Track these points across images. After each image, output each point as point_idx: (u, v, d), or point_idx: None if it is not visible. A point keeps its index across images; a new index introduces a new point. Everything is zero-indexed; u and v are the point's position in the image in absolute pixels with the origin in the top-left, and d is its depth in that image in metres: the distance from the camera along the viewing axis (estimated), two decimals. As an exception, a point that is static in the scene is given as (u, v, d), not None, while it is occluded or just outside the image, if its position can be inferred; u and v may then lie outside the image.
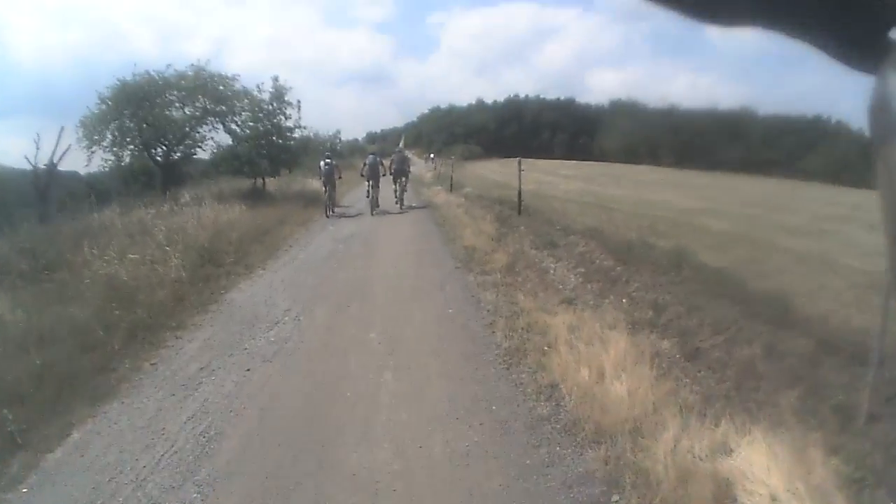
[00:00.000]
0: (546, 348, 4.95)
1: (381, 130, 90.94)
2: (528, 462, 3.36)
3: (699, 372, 4.62)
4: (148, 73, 16.16)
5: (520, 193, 11.92)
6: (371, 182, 15.23)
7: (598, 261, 7.53)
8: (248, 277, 8.08)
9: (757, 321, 5.47)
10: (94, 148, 15.52)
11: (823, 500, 2.77)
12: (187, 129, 16.98)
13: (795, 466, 2.95)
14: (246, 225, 11.52)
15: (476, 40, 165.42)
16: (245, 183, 17.92)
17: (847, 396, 3.90)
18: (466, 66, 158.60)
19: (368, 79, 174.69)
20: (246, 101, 17.28)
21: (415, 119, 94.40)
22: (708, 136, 47.29)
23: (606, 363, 4.47)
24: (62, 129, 14.20)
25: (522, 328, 5.48)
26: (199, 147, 17.91)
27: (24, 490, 3.24)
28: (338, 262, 9.06)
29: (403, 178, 16.28)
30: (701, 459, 3.17)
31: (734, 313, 5.63)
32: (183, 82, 16.32)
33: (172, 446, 3.59)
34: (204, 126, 17.45)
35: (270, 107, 17.46)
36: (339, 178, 15.73)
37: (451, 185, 21.05)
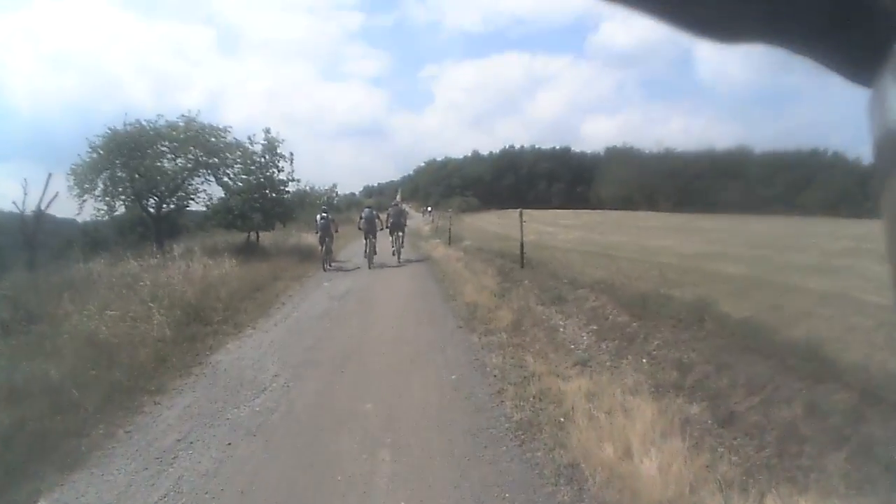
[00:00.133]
0: (562, 420, 4.40)
1: (378, 184, 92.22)
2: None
3: (735, 439, 4.15)
4: (139, 122, 16.15)
5: (522, 245, 11.43)
6: (368, 236, 15.17)
7: (611, 316, 6.99)
8: (237, 337, 7.64)
9: (792, 376, 4.95)
10: (86, 196, 15.46)
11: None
12: (179, 180, 16.85)
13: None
14: (237, 280, 11.20)
15: (469, 92, 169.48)
16: (239, 236, 17.74)
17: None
18: (461, 118, 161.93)
19: (364, 132, 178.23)
20: (238, 153, 17.20)
21: (411, 172, 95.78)
22: (705, 177, 47.76)
23: (632, 436, 3.95)
24: (49, 175, 14.19)
25: (534, 396, 4.92)
26: (192, 199, 17.76)
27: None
28: (332, 322, 8.56)
29: (400, 232, 16.15)
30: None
31: (767, 369, 5.09)
32: (174, 133, 16.24)
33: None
34: (196, 178, 17.36)
35: (263, 159, 17.35)
36: (336, 231, 15.66)
37: (450, 238, 20.71)
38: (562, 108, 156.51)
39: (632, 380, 5.10)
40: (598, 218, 37.45)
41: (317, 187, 39.86)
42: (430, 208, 47.39)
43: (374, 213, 16.11)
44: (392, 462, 3.96)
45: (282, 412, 4.96)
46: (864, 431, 3.95)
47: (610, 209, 53.65)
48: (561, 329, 7.14)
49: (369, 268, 14.74)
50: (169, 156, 16.65)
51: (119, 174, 15.72)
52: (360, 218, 15.83)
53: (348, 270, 14.96)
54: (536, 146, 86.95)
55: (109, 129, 15.59)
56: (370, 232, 15.22)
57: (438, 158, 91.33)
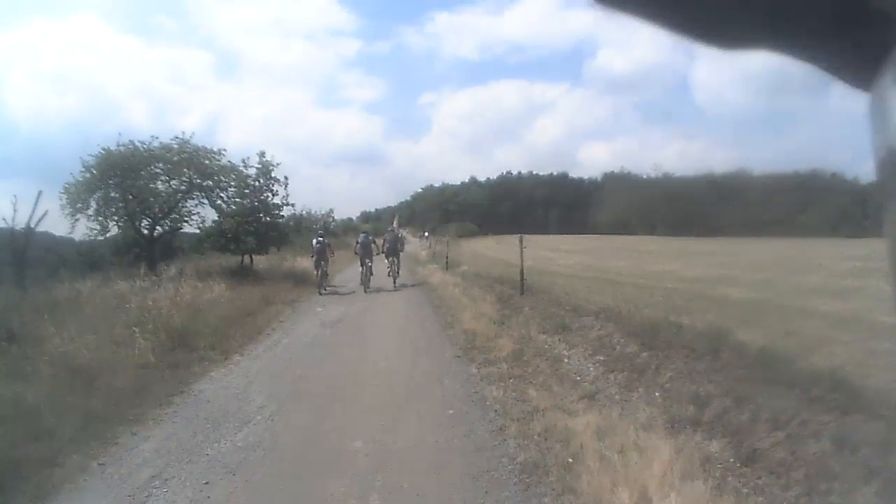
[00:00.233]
0: (570, 461, 3.99)
1: (376, 209, 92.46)
2: None
3: (760, 479, 3.81)
4: (132, 143, 15.92)
5: (522, 272, 11.01)
6: (364, 261, 15.20)
7: (618, 346, 6.57)
8: (223, 365, 7.27)
9: (817, 408, 4.58)
10: (78, 216, 15.26)
11: None
12: (173, 202, 16.63)
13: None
14: (227, 305, 10.95)
15: (467, 119, 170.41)
16: (233, 260, 17.50)
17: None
18: (458, 145, 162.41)
19: (361, 158, 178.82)
20: (232, 176, 17.00)
21: (408, 197, 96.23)
22: (703, 201, 47.66)
23: (649, 479, 3.58)
24: (39, 192, 13.97)
25: (539, 434, 4.50)
26: (186, 221, 17.48)
27: None
28: (324, 350, 8.17)
29: (396, 258, 16.18)
30: None
31: (791, 401, 4.71)
32: (168, 154, 16.06)
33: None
34: (190, 200, 17.10)
35: (257, 183, 17.18)
36: (332, 256, 15.82)
37: (447, 263, 20.39)
38: (559, 134, 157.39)
39: (644, 415, 4.71)
40: (597, 243, 37.31)
41: (313, 212, 40.21)
42: (427, 234, 47.30)
43: (371, 238, 16.19)
44: (383, 509, 3.54)
45: (265, 448, 4.59)
46: (894, 463, 3.68)
47: (608, 234, 53.65)
48: (565, 359, 6.72)
49: (365, 292, 14.68)
50: (163, 177, 16.52)
51: (112, 194, 15.54)
52: (357, 243, 15.84)
53: (343, 295, 14.80)
54: (534, 172, 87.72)
55: (103, 148, 15.42)
56: (366, 257, 15.23)
57: (436, 184, 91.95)
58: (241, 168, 17.15)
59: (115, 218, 15.95)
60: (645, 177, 66.71)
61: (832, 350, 6.07)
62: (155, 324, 8.11)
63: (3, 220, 13.06)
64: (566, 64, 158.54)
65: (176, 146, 16.22)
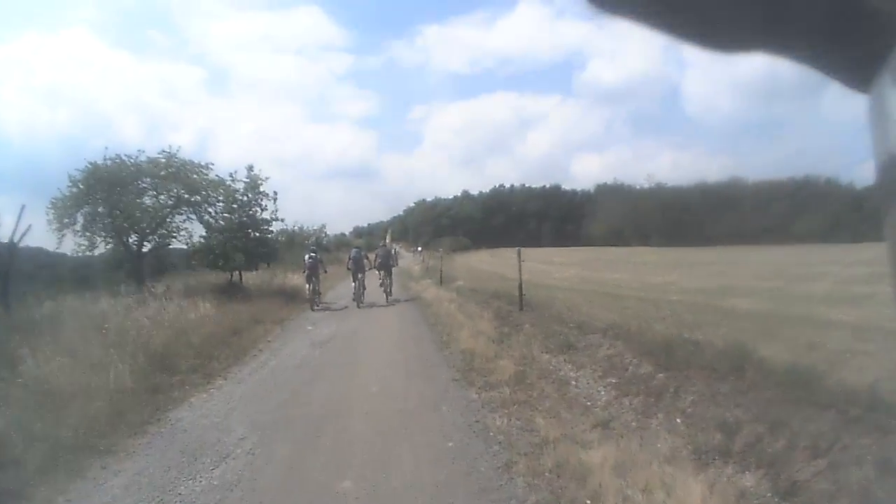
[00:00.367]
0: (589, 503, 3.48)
1: (368, 224, 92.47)
2: None
3: None
4: (119, 157, 15.69)
5: (521, 287, 10.46)
6: (356, 276, 15.14)
7: (630, 366, 6.00)
8: (205, 390, 6.86)
9: (857, 429, 4.11)
10: (65, 231, 15.03)
11: None
12: (160, 217, 16.32)
13: None
14: (213, 324, 10.49)
15: (459, 132, 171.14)
16: (223, 276, 17.18)
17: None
18: (451, 159, 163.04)
19: (353, 173, 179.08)
20: (220, 190, 16.69)
21: (401, 212, 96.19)
22: (697, 210, 47.73)
23: (682, 524, 3.04)
24: (23, 206, 13.56)
25: (550, 471, 3.97)
26: (174, 237, 17.16)
27: None
28: (313, 373, 7.62)
29: (388, 273, 16.14)
30: None
31: (827, 424, 4.23)
32: (155, 169, 15.84)
33: None
34: (178, 216, 16.82)
35: (245, 198, 16.87)
36: (325, 272, 15.88)
37: (441, 277, 19.90)
38: (551, 146, 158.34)
39: (667, 445, 4.21)
40: (592, 255, 37.08)
41: (305, 227, 39.98)
42: (419, 248, 47.03)
43: (363, 253, 16.17)
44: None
45: (244, 488, 4.11)
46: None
47: (602, 246, 53.66)
48: (573, 382, 6.19)
49: (358, 307, 14.59)
50: (150, 192, 16.31)
51: (100, 209, 15.34)
52: (349, 258, 15.81)
53: (336, 311, 14.58)
54: (526, 185, 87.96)
55: (90, 163, 15.25)
56: (358, 272, 15.17)
57: (428, 199, 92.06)
58: (228, 182, 16.87)
59: (103, 234, 15.72)
60: (638, 187, 67.22)
61: (860, 363, 5.64)
62: (134, 345, 7.74)
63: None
64: (557, 76, 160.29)
65: (163, 160, 16.00)
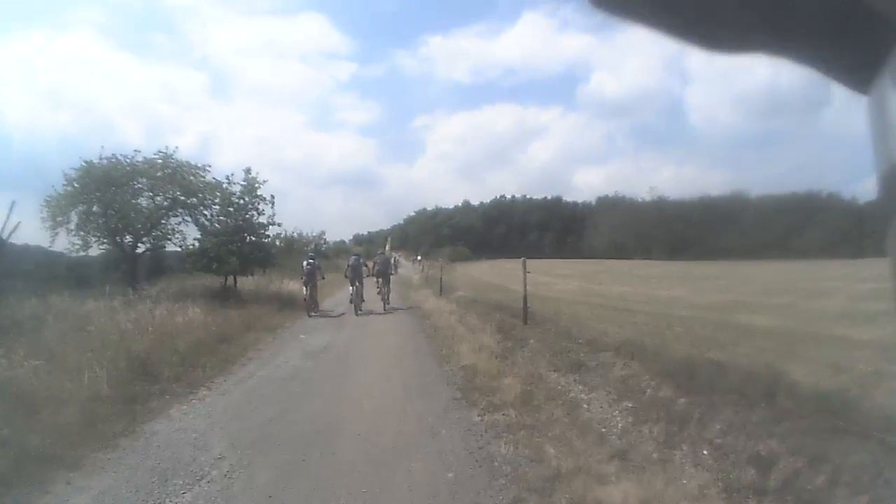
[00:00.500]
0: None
1: (369, 232, 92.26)
2: None
3: None
4: (115, 156, 15.52)
5: (525, 299, 9.91)
6: (354, 283, 15.09)
7: (648, 389, 5.48)
8: (186, 401, 6.40)
9: (899, 459, 3.68)
10: (58, 229, 14.87)
11: None
12: (155, 219, 16.07)
13: None
14: (203, 329, 10.11)
15: (461, 143, 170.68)
16: (217, 281, 16.79)
17: None
18: (452, 169, 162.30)
19: (355, 181, 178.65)
20: (217, 193, 16.45)
21: (401, 221, 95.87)
22: (699, 224, 47.50)
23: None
24: (13, 203, 13.24)
25: (567, 511, 3.50)
26: (169, 239, 16.92)
27: None
28: (302, 386, 7.12)
29: (386, 281, 16.19)
30: None
31: (868, 455, 3.79)
32: (151, 170, 15.64)
33: None
34: (174, 218, 16.58)
35: (241, 201, 16.58)
36: (322, 278, 15.81)
37: (441, 287, 19.40)
38: (553, 158, 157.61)
39: (694, 482, 3.74)
40: (594, 267, 36.73)
41: (305, 233, 39.70)
42: (419, 257, 46.66)
43: (361, 260, 16.18)
44: None
45: (216, 518, 3.63)
46: None
47: (603, 258, 53.42)
48: (584, 405, 5.67)
49: (356, 315, 14.49)
50: (146, 193, 16.07)
51: (94, 209, 15.15)
52: (348, 266, 15.94)
53: (333, 318, 14.46)
54: (528, 196, 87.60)
55: (85, 161, 15.06)
56: (356, 279, 15.10)
57: (429, 208, 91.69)
58: (225, 185, 16.62)
59: (97, 234, 15.53)
60: (640, 200, 66.88)
61: (892, 386, 5.22)
62: (115, 350, 7.37)
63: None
64: (560, 88, 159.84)
65: (160, 161, 15.82)
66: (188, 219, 16.55)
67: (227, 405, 6.24)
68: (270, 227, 17.41)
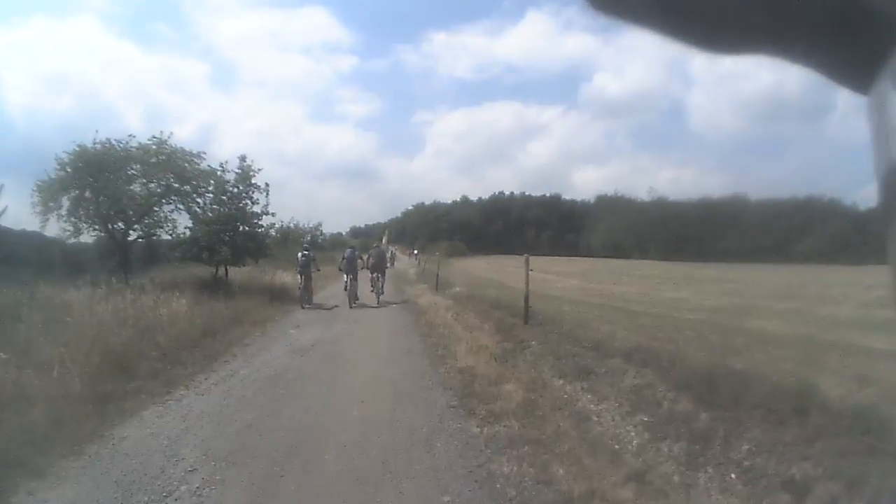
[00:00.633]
0: None
1: (366, 225, 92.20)
2: None
3: None
4: (109, 141, 15.07)
5: (527, 298, 9.38)
6: (349, 276, 15.13)
7: (665, 402, 4.99)
8: (162, 401, 5.97)
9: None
10: (48, 215, 14.46)
11: None
12: (147, 206, 15.69)
13: None
14: (187, 322, 9.69)
15: (461, 139, 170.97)
16: (207, 271, 16.38)
17: None
18: (451, 164, 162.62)
19: (353, 174, 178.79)
20: (211, 181, 16.05)
21: (399, 214, 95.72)
22: (698, 226, 47.42)
23: None
24: (1, 186, 13.20)
25: (579, 546, 3.05)
26: (161, 227, 16.43)
27: None
28: (286, 388, 6.62)
29: (380, 274, 16.18)
30: None
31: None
32: (145, 156, 15.21)
33: None
34: (167, 205, 16.14)
35: (235, 189, 16.14)
36: (317, 270, 15.69)
37: (437, 283, 18.97)
38: (553, 156, 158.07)
39: (723, 512, 3.28)
40: (592, 265, 36.53)
41: (301, 224, 39.30)
42: (416, 251, 46.36)
43: (357, 253, 16.14)
44: None
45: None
46: None
47: (601, 257, 53.39)
48: (594, 418, 5.20)
49: (350, 307, 14.53)
50: (140, 179, 15.66)
51: (86, 194, 14.74)
52: (343, 258, 15.83)
53: (325, 311, 14.31)
54: (526, 193, 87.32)
55: (78, 145, 14.63)
56: (350, 272, 15.17)
57: (427, 202, 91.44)
58: (219, 173, 16.17)
59: (88, 220, 15.09)
60: (639, 200, 66.69)
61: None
62: (91, 343, 6.97)
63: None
64: (561, 87, 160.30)
65: (154, 147, 15.36)
66: (181, 207, 16.13)
67: (205, 407, 5.78)
68: (264, 216, 16.93)
